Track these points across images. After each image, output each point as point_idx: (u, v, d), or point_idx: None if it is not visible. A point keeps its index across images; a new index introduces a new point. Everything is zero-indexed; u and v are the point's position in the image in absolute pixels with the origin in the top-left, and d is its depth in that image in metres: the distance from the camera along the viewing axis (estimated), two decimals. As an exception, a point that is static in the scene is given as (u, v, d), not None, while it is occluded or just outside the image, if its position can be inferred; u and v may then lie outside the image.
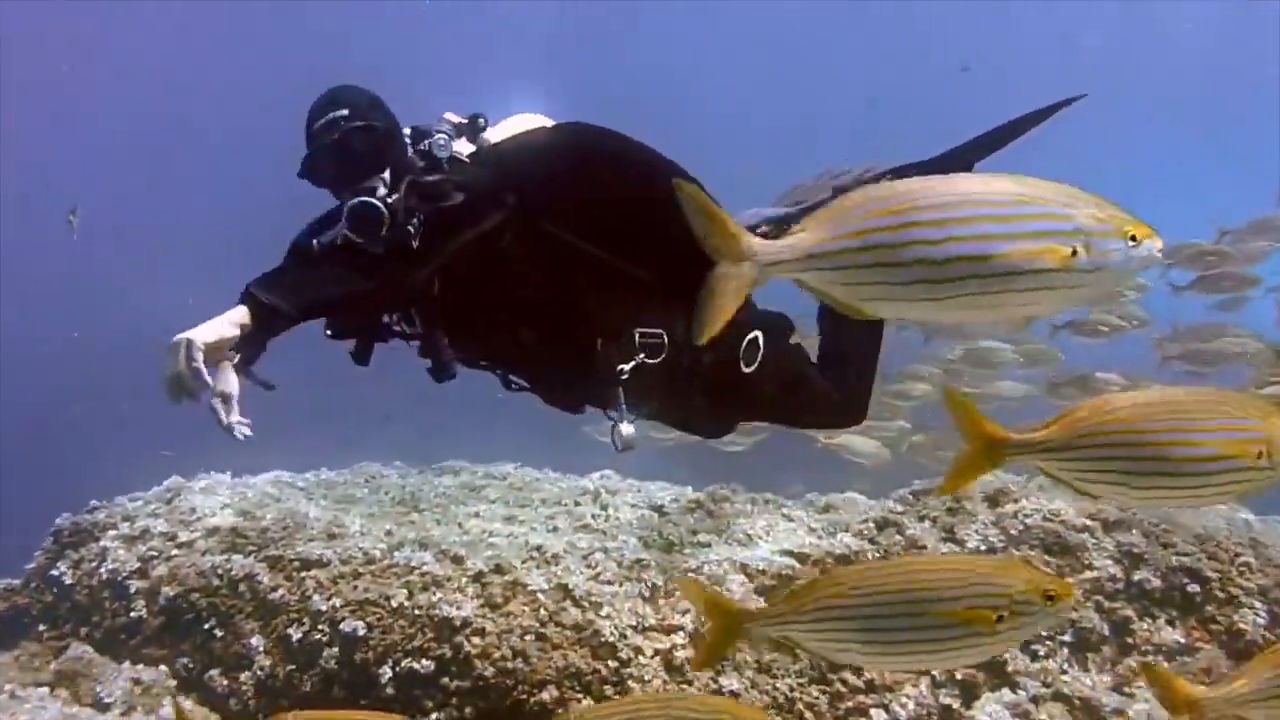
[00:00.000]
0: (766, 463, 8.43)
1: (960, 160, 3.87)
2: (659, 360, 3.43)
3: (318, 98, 3.31)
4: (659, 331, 3.44)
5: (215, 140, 24.11)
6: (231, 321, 2.85)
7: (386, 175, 3.18)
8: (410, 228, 3.12)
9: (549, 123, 3.60)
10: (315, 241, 3.19)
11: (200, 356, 2.73)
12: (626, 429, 3.45)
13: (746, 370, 3.64)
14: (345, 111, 3.21)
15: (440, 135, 3.28)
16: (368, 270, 3.10)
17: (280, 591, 5.02)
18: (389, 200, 3.13)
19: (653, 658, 4.65)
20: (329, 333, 3.34)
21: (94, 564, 5.37)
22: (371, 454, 7.82)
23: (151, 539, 5.43)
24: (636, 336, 3.41)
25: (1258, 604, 4.71)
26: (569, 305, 3.36)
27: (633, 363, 3.39)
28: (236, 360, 3.31)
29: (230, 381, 3.21)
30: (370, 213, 3.10)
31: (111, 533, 5.51)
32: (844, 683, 4.63)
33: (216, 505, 5.77)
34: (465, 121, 3.42)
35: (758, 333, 3.65)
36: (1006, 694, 4.50)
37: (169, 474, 6.30)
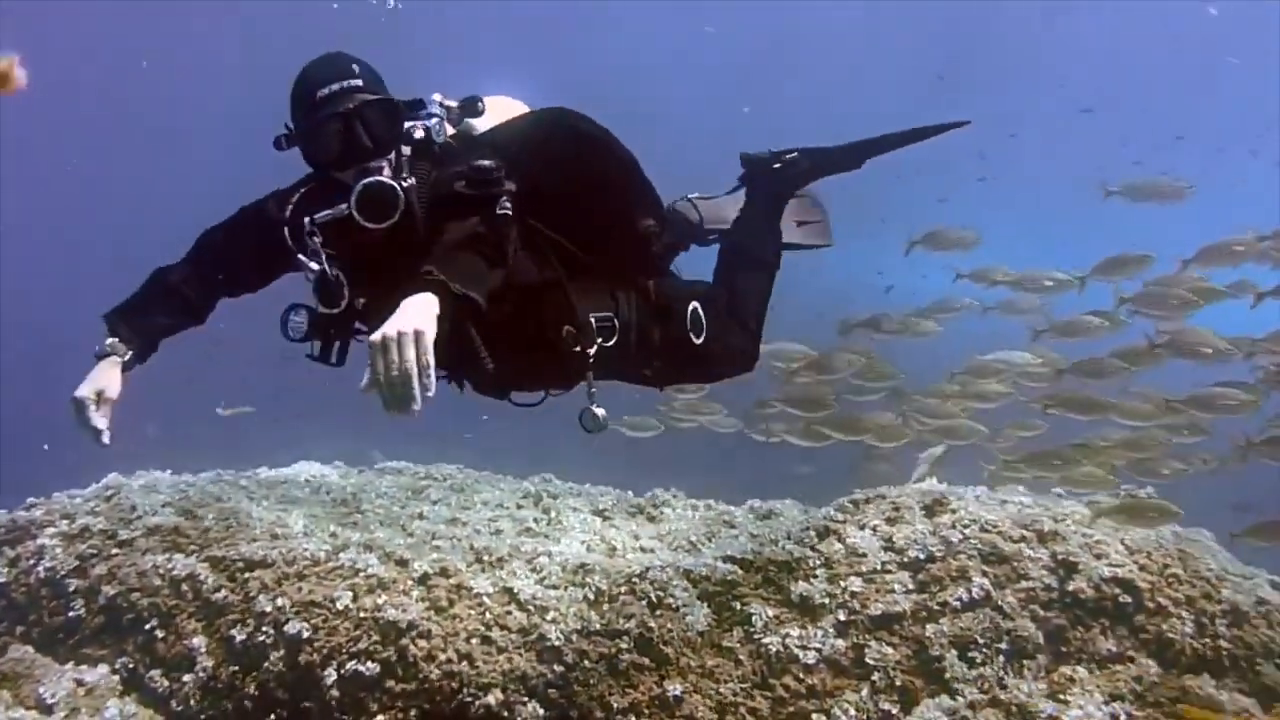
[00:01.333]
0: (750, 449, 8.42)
1: (857, 155, 4.52)
2: (613, 343, 3.49)
3: (315, 62, 3.18)
4: (609, 315, 3.51)
5: (180, 134, 23.94)
6: (436, 315, 2.60)
7: (393, 156, 3.11)
8: (506, 211, 3.05)
9: (524, 107, 3.61)
10: (309, 219, 3.08)
11: (433, 356, 2.50)
12: (599, 411, 3.48)
13: (698, 341, 3.80)
14: (359, 82, 3.10)
15: (434, 118, 3.23)
16: (496, 258, 3.02)
17: (223, 592, 4.99)
18: (404, 183, 3.06)
19: (598, 662, 4.69)
20: (294, 336, 3.29)
21: (31, 562, 5.28)
22: (310, 453, 7.78)
23: (91, 537, 5.36)
24: (593, 321, 3.46)
25: (1185, 614, 4.84)
26: (547, 292, 3.37)
27: (595, 346, 3.44)
28: (128, 357, 3.27)
29: (114, 381, 3.15)
30: (388, 195, 3.02)
31: (50, 530, 5.42)
32: (785, 688, 4.70)
33: (157, 504, 5.70)
34: (456, 105, 3.37)
35: (695, 304, 3.80)
36: (945, 700, 4.58)
37: (106, 471, 6.22)
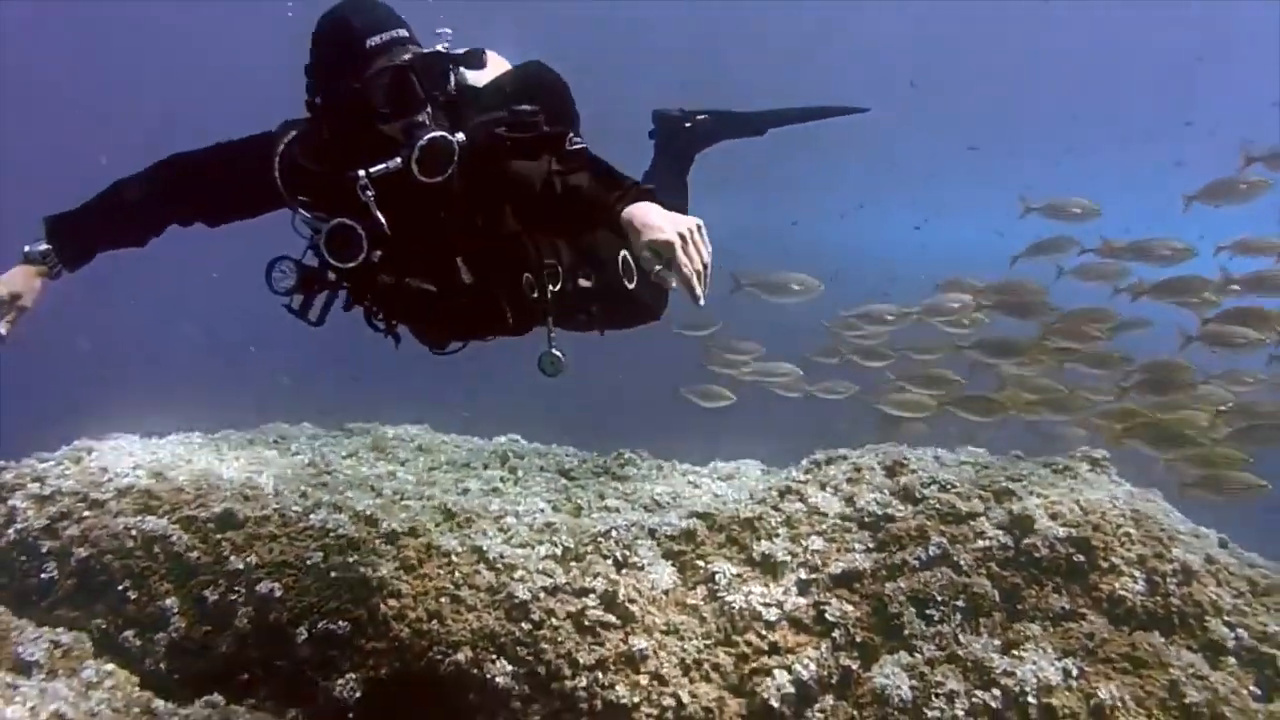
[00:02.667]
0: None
1: (762, 123, 4.97)
2: (559, 288, 3.55)
3: (349, 8, 3.11)
4: (554, 261, 3.57)
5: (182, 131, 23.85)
6: None
7: (429, 108, 3.11)
8: (581, 143, 3.11)
9: (507, 64, 3.64)
10: (364, 172, 3.05)
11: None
12: (557, 353, 3.53)
13: (630, 286, 3.88)
14: (406, 32, 3.08)
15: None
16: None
17: (195, 553, 5.04)
18: (458, 139, 3.07)
19: (564, 620, 4.78)
20: (278, 289, 3.29)
21: (2, 524, 5.30)
22: (278, 414, 7.80)
23: (62, 499, 5.37)
24: (544, 267, 3.52)
25: (1137, 572, 4.96)
26: (518, 239, 3.44)
27: (550, 290, 3.49)
28: (55, 271, 3.27)
29: (33, 289, 3.18)
30: (448, 150, 3.04)
31: (20, 493, 5.43)
32: (749, 644, 4.81)
33: (128, 466, 5.72)
34: (460, 56, 3.31)
35: (624, 252, 3.86)
36: (903, 656, 4.69)
37: (78, 434, 6.23)
